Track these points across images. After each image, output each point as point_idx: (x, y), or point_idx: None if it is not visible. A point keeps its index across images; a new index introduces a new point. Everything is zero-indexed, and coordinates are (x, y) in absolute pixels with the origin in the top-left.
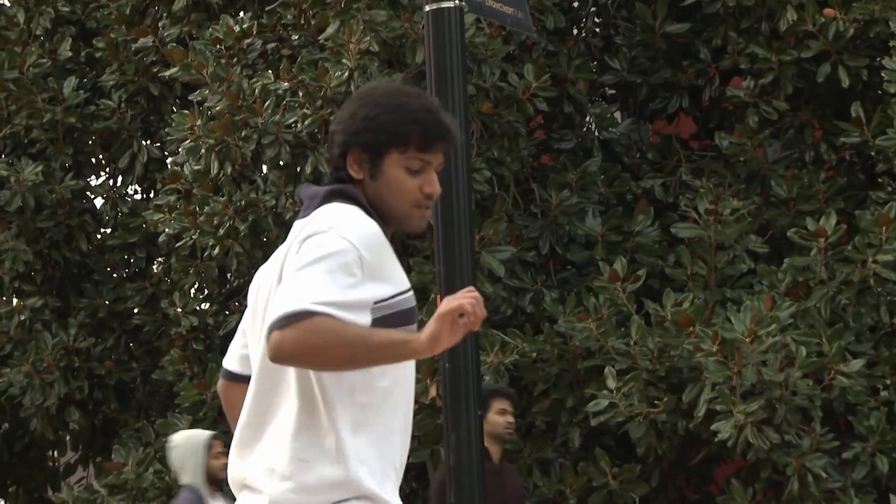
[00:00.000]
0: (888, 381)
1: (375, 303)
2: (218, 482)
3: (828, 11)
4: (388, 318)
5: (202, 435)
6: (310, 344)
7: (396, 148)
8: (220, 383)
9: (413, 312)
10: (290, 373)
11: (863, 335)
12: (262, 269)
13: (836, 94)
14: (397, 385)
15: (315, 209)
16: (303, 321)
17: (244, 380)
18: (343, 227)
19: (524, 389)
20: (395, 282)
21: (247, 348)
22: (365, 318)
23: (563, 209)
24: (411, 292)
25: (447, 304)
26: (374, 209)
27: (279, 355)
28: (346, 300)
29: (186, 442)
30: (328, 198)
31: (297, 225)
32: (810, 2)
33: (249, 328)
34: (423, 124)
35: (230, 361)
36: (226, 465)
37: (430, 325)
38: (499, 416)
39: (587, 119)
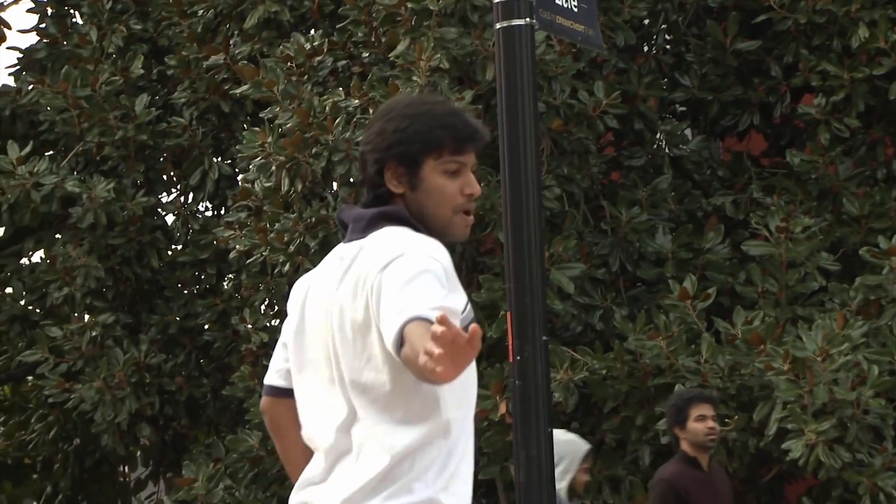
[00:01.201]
0: None
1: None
2: (577, 496)
3: None
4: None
5: (583, 446)
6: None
7: (431, 155)
8: (265, 401)
9: None
10: None
11: None
12: (309, 288)
13: None
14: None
15: (364, 232)
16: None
17: (290, 394)
18: (418, 247)
19: (594, 407)
20: (463, 294)
21: (290, 362)
22: None
23: (634, 226)
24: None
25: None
26: (419, 222)
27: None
28: (452, 308)
29: (567, 445)
30: (377, 220)
31: (350, 248)
32: (882, 19)
33: (297, 346)
34: (453, 127)
35: (273, 377)
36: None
37: None
38: (698, 424)
39: (657, 136)
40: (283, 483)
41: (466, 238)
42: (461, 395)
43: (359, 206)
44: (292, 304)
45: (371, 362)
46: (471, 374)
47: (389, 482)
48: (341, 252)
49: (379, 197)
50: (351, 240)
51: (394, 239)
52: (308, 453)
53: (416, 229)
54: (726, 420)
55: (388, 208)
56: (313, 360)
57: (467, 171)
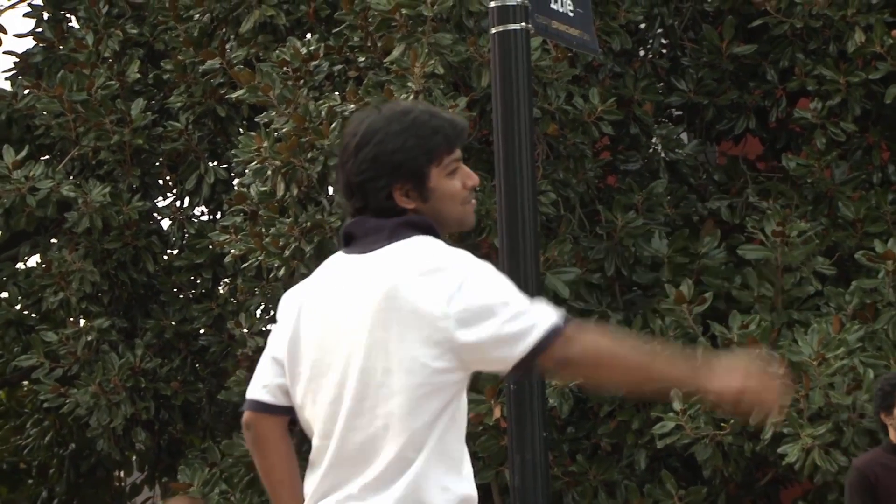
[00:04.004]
0: None
1: None
2: None
3: None
4: None
5: None
6: (594, 345)
7: (434, 163)
8: (249, 416)
9: None
10: None
11: None
12: (303, 302)
13: None
14: None
15: (385, 242)
16: (569, 327)
17: (278, 411)
18: (461, 253)
19: (589, 411)
20: None
21: (282, 377)
22: None
23: (629, 231)
24: None
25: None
26: (437, 224)
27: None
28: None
29: None
30: (402, 229)
31: (364, 259)
32: (878, 23)
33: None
34: (442, 130)
35: (259, 392)
36: None
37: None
38: None
39: (653, 140)
40: None
41: (473, 224)
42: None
43: (370, 219)
44: (284, 319)
45: (388, 378)
46: None
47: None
48: (346, 263)
49: (395, 215)
50: (370, 250)
51: (434, 246)
52: (294, 471)
53: (438, 236)
54: (722, 424)
55: (411, 217)
56: (316, 375)
57: (461, 165)
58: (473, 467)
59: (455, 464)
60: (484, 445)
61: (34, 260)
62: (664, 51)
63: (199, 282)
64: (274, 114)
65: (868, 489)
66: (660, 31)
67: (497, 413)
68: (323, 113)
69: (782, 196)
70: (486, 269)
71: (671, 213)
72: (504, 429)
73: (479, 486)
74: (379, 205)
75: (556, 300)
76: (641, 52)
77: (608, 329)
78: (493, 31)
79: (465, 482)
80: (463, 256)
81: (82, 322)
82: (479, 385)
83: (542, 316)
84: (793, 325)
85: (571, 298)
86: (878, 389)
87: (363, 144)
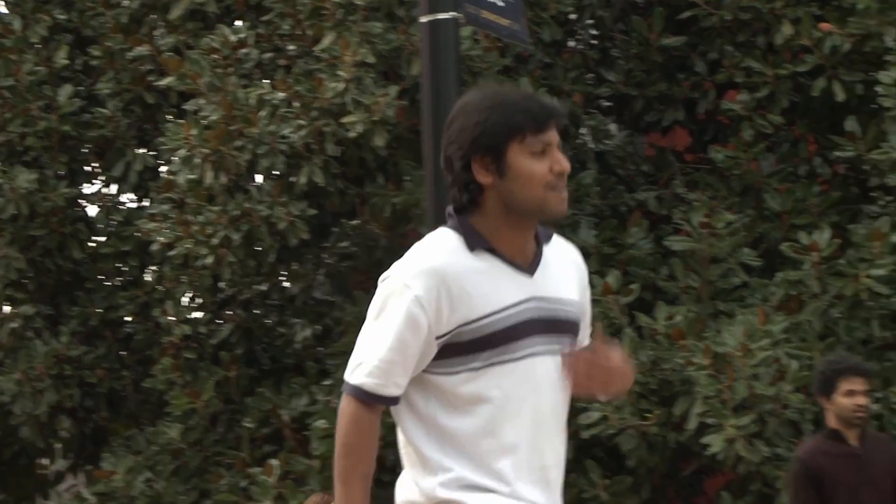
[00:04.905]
0: (879, 395)
1: None
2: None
3: (824, 26)
4: None
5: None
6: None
7: (515, 139)
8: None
9: None
10: None
11: (855, 349)
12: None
13: (831, 109)
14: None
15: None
16: (344, 400)
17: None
18: (399, 267)
19: None
20: (467, 307)
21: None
22: None
23: (557, 221)
24: None
25: None
26: (510, 207)
27: None
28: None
29: None
30: (448, 218)
31: (564, 248)
32: (806, 16)
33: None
34: (530, 110)
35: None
36: None
37: None
38: (846, 399)
39: (582, 131)
40: (203, 476)
41: (564, 215)
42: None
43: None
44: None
45: None
46: None
47: None
48: (567, 251)
49: (471, 198)
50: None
51: (409, 252)
52: None
53: (465, 230)
54: (647, 415)
55: (449, 209)
56: None
57: (553, 149)
58: (398, 456)
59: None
60: None
61: None
62: (594, 42)
63: (125, 269)
64: (203, 101)
65: (812, 479)
66: (590, 22)
67: None
68: (252, 101)
69: (710, 187)
70: (384, 297)
71: (599, 203)
72: None
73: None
74: (458, 176)
75: None
76: (571, 43)
77: (363, 425)
78: (423, 20)
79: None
80: (393, 276)
81: (7, 309)
82: None
83: (351, 367)
84: (718, 316)
85: None
86: (818, 373)
87: (455, 118)
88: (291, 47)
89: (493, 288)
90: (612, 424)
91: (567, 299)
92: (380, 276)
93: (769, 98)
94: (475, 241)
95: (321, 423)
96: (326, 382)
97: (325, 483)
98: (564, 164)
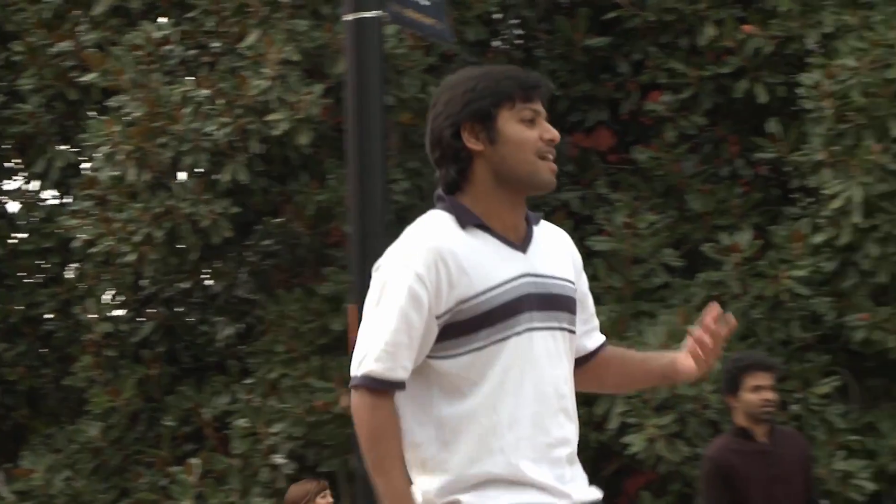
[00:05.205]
0: (799, 396)
1: None
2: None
3: (746, 28)
4: None
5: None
6: (358, 422)
7: (504, 105)
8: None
9: None
10: None
11: (775, 350)
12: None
13: (753, 110)
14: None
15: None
16: (359, 392)
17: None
18: (395, 253)
19: None
20: (468, 282)
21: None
22: None
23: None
24: None
25: None
26: (501, 176)
27: None
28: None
29: None
30: (436, 201)
31: (555, 232)
32: (729, 18)
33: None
34: (517, 77)
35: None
36: None
37: None
38: (753, 395)
39: None
40: (123, 474)
41: (553, 186)
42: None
43: (439, 185)
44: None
45: None
46: None
47: None
48: (557, 233)
49: (460, 170)
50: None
51: (401, 237)
52: None
53: (456, 208)
54: None
55: (438, 191)
56: None
57: (542, 119)
58: (320, 456)
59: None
60: (332, 433)
61: None
62: (518, 42)
63: (46, 266)
64: (126, 98)
65: (723, 478)
66: (514, 21)
67: (345, 401)
68: (176, 98)
69: (632, 188)
70: (381, 283)
71: None
72: (351, 417)
73: (325, 474)
74: (448, 145)
75: None
76: (496, 43)
77: (382, 412)
78: (347, 18)
79: None
80: (386, 263)
81: None
82: (328, 374)
83: (357, 360)
84: (640, 316)
85: None
86: (724, 372)
87: (441, 94)
88: (216, 44)
89: (488, 264)
90: None
91: (562, 277)
92: (301, 274)
93: (692, 99)
94: (467, 218)
95: (242, 422)
96: (248, 381)
97: (245, 482)
98: (554, 133)
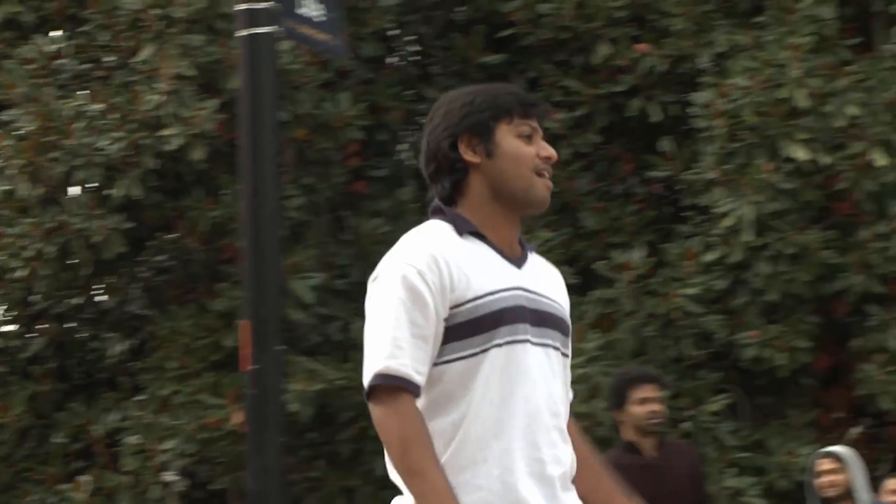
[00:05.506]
0: (691, 413)
1: None
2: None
3: (640, 47)
4: None
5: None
6: (382, 424)
7: (503, 119)
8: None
9: None
10: None
11: (667, 367)
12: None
13: (646, 129)
14: None
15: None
16: (377, 393)
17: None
18: (392, 261)
19: (331, 417)
20: (471, 284)
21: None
22: None
23: (375, 237)
24: None
25: None
26: (497, 191)
27: None
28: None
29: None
30: (432, 212)
31: (550, 267)
32: (623, 37)
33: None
34: (516, 94)
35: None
36: None
37: None
38: (639, 407)
39: (402, 147)
40: (12, 491)
41: (547, 204)
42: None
43: (434, 200)
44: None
45: None
46: None
47: None
48: (551, 268)
49: (455, 183)
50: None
51: (397, 245)
52: None
53: (453, 216)
54: None
55: (437, 204)
56: None
57: (539, 137)
58: (212, 473)
59: None
60: (224, 450)
61: None
62: (414, 58)
63: None
64: (18, 112)
65: None
66: (410, 38)
67: (237, 418)
68: (68, 112)
69: None
70: (380, 290)
71: (417, 220)
72: (243, 434)
73: (217, 492)
74: (444, 157)
75: (301, 305)
76: (392, 60)
77: (408, 417)
78: (241, 34)
79: None
80: (384, 270)
81: None
82: (220, 390)
83: (367, 367)
84: None
85: (316, 304)
86: (610, 388)
87: (438, 108)
88: (109, 59)
89: (484, 270)
90: None
91: (556, 300)
92: (194, 290)
93: (586, 117)
94: (464, 226)
95: (133, 439)
96: (140, 397)
97: (136, 499)
98: (552, 151)
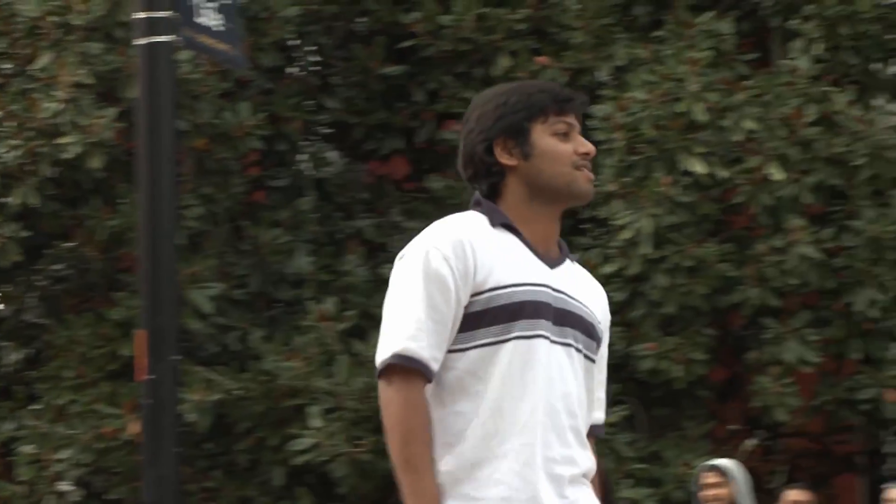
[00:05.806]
0: None
1: None
2: None
3: (540, 59)
4: None
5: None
6: (386, 407)
7: (538, 119)
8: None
9: None
10: None
11: None
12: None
13: None
14: None
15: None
16: (386, 376)
17: None
18: (417, 244)
19: (228, 427)
20: (489, 266)
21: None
22: None
23: (274, 247)
24: None
25: None
26: (536, 190)
27: None
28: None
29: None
30: (473, 204)
31: (592, 279)
32: (523, 49)
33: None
34: (550, 91)
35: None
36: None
37: None
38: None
39: (301, 157)
40: None
41: (591, 197)
42: None
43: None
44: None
45: None
46: None
47: None
48: (580, 270)
49: (492, 185)
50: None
51: (426, 229)
52: None
53: (488, 208)
54: (358, 442)
55: (476, 195)
56: None
57: (576, 133)
58: (108, 483)
59: None
60: (120, 460)
61: None
62: (314, 69)
63: None
64: None
65: None
66: (310, 48)
67: (134, 428)
68: None
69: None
70: (404, 268)
71: (317, 230)
72: (139, 444)
73: (113, 502)
74: (481, 160)
75: (199, 315)
76: (292, 70)
77: (417, 409)
78: (140, 42)
79: None
80: (410, 249)
81: None
82: (117, 400)
83: (381, 347)
84: None
85: (214, 314)
86: None
87: (473, 111)
88: (7, 66)
89: (510, 262)
90: (325, 451)
91: (587, 303)
92: (92, 299)
93: None
94: (497, 217)
95: (28, 449)
96: (35, 407)
97: None
98: (590, 147)
